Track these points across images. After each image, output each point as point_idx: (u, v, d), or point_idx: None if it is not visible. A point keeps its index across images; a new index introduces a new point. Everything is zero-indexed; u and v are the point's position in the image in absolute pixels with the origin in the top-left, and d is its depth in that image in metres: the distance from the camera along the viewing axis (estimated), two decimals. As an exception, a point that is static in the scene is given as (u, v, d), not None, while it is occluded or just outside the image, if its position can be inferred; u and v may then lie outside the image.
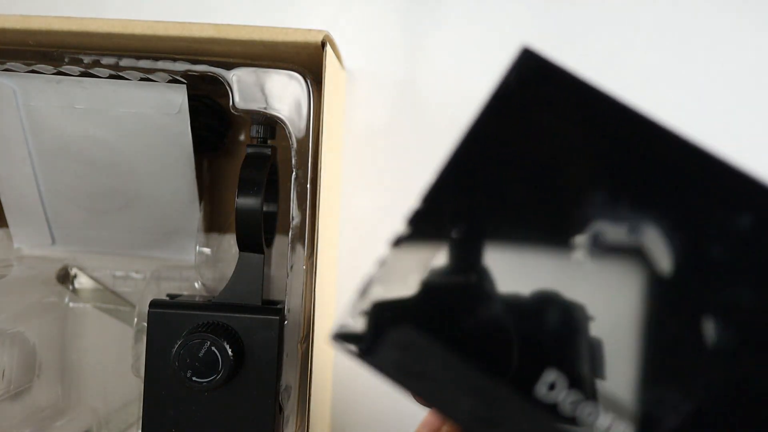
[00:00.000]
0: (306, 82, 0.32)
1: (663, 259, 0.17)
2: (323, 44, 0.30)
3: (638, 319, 0.17)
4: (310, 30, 0.30)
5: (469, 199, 0.18)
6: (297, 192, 0.31)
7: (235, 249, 0.39)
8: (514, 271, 0.17)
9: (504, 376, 0.17)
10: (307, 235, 0.31)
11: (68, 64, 0.33)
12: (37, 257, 0.40)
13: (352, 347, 0.17)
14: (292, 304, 0.32)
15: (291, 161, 0.31)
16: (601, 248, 0.17)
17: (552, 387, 0.17)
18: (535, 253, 0.17)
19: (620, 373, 0.17)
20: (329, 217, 0.37)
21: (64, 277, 0.40)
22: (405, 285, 0.17)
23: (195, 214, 0.38)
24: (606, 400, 0.17)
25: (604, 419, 0.16)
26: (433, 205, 0.18)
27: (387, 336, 0.17)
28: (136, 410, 0.39)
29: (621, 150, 0.18)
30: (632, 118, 0.18)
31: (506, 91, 0.18)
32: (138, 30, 0.30)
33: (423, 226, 0.18)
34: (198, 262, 0.38)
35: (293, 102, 0.32)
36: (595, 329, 0.17)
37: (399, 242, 0.18)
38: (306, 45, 0.30)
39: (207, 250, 0.38)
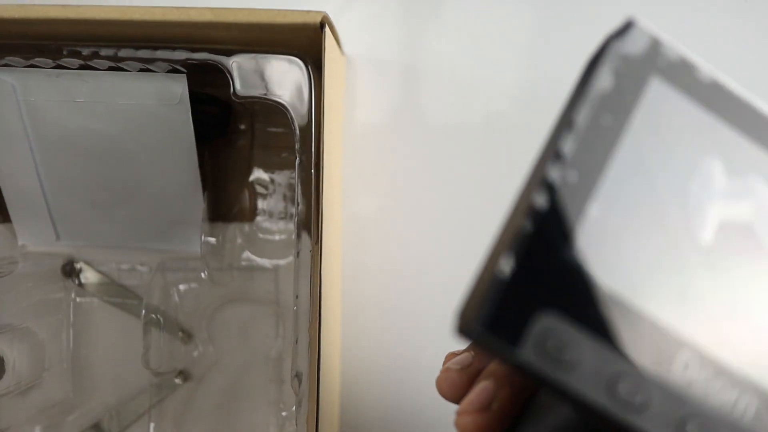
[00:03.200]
0: (306, 66, 0.32)
1: None
2: (322, 25, 0.30)
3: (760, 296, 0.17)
4: (308, 11, 0.30)
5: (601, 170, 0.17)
6: (301, 178, 0.31)
7: (240, 239, 0.39)
8: (643, 257, 0.17)
9: (642, 358, 0.17)
10: (312, 222, 0.31)
11: (67, 56, 0.33)
12: (42, 253, 0.40)
13: (494, 341, 0.16)
14: (301, 291, 0.32)
15: (294, 147, 0.31)
16: (717, 230, 0.18)
17: (686, 367, 0.17)
18: (658, 237, 0.18)
19: (745, 347, 0.17)
20: (333, 203, 0.37)
21: (70, 272, 0.40)
22: (547, 264, 0.16)
23: (199, 204, 0.38)
24: (732, 375, 0.17)
25: (731, 393, 0.17)
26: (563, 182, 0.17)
27: (528, 323, 0.16)
28: (146, 401, 0.39)
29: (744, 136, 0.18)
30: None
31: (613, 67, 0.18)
32: (136, 16, 0.30)
33: (557, 204, 0.17)
34: (204, 252, 0.38)
35: (294, 87, 0.32)
36: (718, 306, 0.17)
37: (538, 216, 0.17)
38: (305, 26, 0.30)
39: (212, 240, 0.38)
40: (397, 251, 0.43)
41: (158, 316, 0.37)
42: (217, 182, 0.40)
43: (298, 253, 0.32)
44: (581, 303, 0.17)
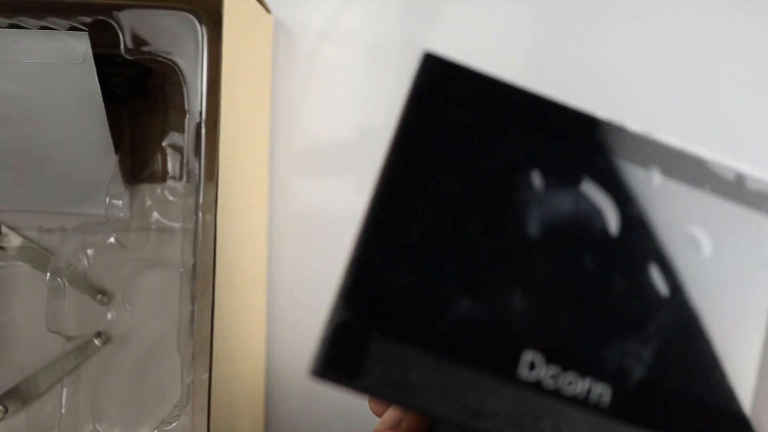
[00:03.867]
0: (200, 22, 0.31)
1: (601, 220, 0.18)
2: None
3: (591, 282, 0.18)
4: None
5: (414, 204, 0.18)
6: (193, 137, 0.30)
7: (149, 201, 0.38)
8: (471, 262, 0.18)
9: (486, 366, 0.18)
10: (203, 185, 0.31)
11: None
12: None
13: (336, 378, 0.17)
14: (201, 255, 0.32)
15: (185, 106, 0.30)
16: (544, 225, 0.18)
17: (532, 367, 0.18)
18: (486, 239, 0.18)
19: (586, 339, 0.18)
20: (240, 168, 0.36)
21: (-11, 236, 0.40)
22: (373, 303, 0.18)
23: (109, 167, 0.37)
24: (580, 366, 0.18)
25: (583, 384, 0.18)
26: (380, 216, 0.18)
27: (364, 355, 0.17)
28: (66, 365, 0.39)
29: (535, 130, 0.19)
30: (536, 100, 0.19)
31: (420, 98, 0.19)
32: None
33: (377, 237, 0.18)
34: (117, 215, 0.38)
35: (186, 44, 0.31)
36: (557, 301, 0.18)
37: (357, 263, 0.18)
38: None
39: (119, 203, 0.38)
40: (331, 226, 0.43)
41: (63, 280, 0.36)
42: (135, 145, 0.40)
43: (198, 220, 0.32)
44: (411, 324, 0.17)
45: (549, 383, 0.17)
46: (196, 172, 0.32)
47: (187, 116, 0.30)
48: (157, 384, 0.40)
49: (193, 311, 0.31)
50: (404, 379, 0.17)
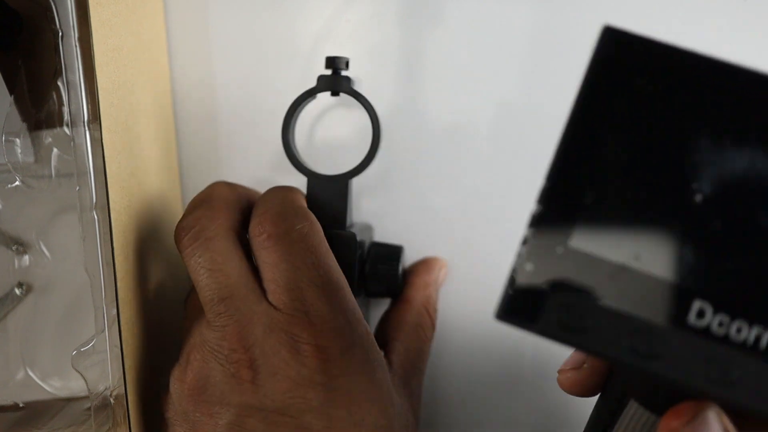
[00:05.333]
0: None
1: None
2: None
3: (762, 236, 0.19)
4: None
5: (591, 170, 0.20)
6: (63, 53, 0.30)
7: (50, 139, 0.38)
8: (644, 220, 0.20)
9: (657, 314, 0.19)
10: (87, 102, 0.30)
11: None
12: None
13: (517, 321, 0.20)
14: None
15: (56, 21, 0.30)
16: (715, 186, 0.20)
17: (701, 314, 0.19)
18: (660, 200, 0.20)
19: (756, 289, 0.19)
20: (128, 106, 0.36)
21: None
22: (552, 258, 0.20)
23: (3, 112, 0.36)
24: (750, 314, 0.19)
25: (752, 331, 0.19)
26: (559, 180, 0.20)
27: (545, 303, 0.20)
28: (-10, 317, 0.39)
29: (712, 96, 0.20)
30: (715, 65, 0.20)
31: (600, 69, 0.20)
32: None
33: (554, 200, 0.20)
34: (17, 160, 0.37)
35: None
36: (729, 254, 0.19)
37: (536, 222, 0.20)
38: None
39: (17, 140, 0.37)
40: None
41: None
42: (30, 89, 0.39)
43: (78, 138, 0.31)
44: (590, 279, 0.20)
45: (718, 330, 0.19)
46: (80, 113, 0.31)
47: (61, 34, 0.30)
48: (89, 329, 0.41)
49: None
50: (578, 324, 0.19)
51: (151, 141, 0.39)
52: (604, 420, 0.25)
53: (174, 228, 0.33)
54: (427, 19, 0.41)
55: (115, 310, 0.31)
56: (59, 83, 0.38)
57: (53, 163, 0.38)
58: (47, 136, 0.37)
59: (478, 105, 0.42)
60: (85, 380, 0.33)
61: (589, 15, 0.41)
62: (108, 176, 0.31)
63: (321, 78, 0.35)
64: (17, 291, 0.39)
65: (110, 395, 0.33)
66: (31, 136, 0.38)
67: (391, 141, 0.42)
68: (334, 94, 0.36)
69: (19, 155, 0.37)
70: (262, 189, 0.36)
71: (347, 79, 0.35)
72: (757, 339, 0.19)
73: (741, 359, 0.19)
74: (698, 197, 0.20)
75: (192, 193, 0.43)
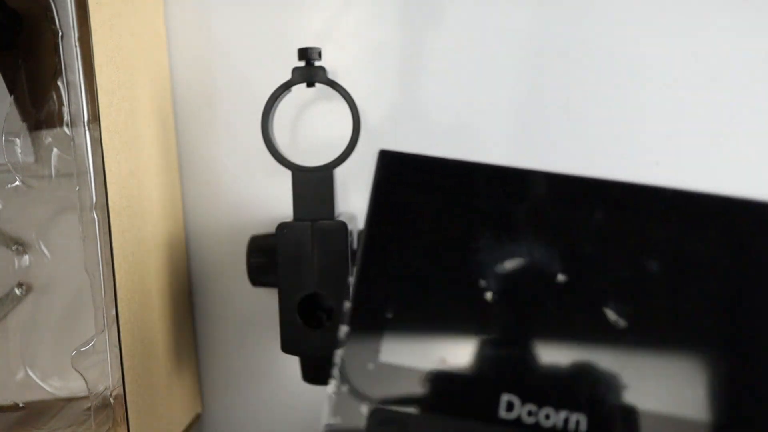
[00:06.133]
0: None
1: (555, 268, 0.21)
2: None
3: (551, 324, 0.20)
4: None
5: (386, 286, 0.21)
6: (63, 53, 0.30)
7: (50, 139, 0.38)
8: (446, 327, 0.21)
9: (470, 413, 0.20)
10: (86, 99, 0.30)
11: None
12: None
13: None
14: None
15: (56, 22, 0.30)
16: (501, 281, 0.21)
17: (510, 407, 0.20)
18: (455, 304, 0.21)
19: (555, 376, 0.20)
20: (128, 105, 0.36)
21: None
22: (363, 372, 0.21)
23: (3, 113, 0.36)
24: (554, 401, 0.20)
25: (560, 416, 0.20)
26: (359, 301, 0.21)
27: (368, 421, 0.20)
28: (-10, 317, 0.39)
29: (484, 198, 0.21)
30: (482, 170, 0.22)
31: (382, 190, 0.22)
32: None
33: (359, 321, 0.21)
34: (17, 160, 0.37)
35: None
36: (523, 349, 0.21)
37: (345, 342, 0.21)
38: None
39: (17, 140, 0.37)
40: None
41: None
42: (30, 89, 0.39)
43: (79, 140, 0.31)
44: (404, 389, 0.20)
45: (528, 420, 0.20)
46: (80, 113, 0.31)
47: (60, 32, 0.30)
48: (89, 329, 0.40)
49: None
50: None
51: (151, 141, 0.39)
52: None
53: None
54: (427, 19, 0.41)
55: (115, 310, 0.31)
56: (59, 83, 0.38)
57: (53, 163, 0.38)
58: (47, 136, 0.37)
59: (478, 105, 0.42)
60: (85, 380, 0.33)
61: (588, 15, 0.41)
62: (108, 176, 0.31)
63: (295, 70, 0.35)
64: (17, 291, 0.39)
65: (110, 395, 0.33)
66: (31, 136, 0.38)
67: (391, 141, 0.42)
68: (310, 85, 0.35)
69: (19, 155, 0.37)
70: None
71: (322, 69, 0.35)
72: (566, 422, 0.20)
73: None
74: (488, 295, 0.21)
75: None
